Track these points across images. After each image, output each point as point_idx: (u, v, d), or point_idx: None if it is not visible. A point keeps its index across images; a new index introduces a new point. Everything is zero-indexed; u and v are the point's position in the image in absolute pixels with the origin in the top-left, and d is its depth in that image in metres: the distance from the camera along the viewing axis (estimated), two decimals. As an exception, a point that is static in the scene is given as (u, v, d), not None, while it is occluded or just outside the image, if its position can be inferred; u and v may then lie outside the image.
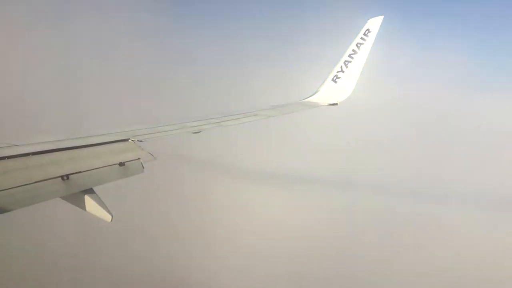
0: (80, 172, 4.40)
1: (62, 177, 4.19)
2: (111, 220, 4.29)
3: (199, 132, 6.73)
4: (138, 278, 11.53)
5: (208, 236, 12.22)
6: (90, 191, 4.36)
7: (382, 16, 9.34)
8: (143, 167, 5.03)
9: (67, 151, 4.69)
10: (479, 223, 13.25)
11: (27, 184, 3.87)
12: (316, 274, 12.43)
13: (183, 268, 11.92)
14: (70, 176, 4.25)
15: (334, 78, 9.74)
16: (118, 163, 4.84)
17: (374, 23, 9.32)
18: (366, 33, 9.34)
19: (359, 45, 9.44)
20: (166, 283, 11.72)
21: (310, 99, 9.71)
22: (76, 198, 4.25)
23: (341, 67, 9.66)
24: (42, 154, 4.45)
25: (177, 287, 11.76)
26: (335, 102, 9.58)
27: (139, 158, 5.10)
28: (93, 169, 4.58)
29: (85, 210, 4.27)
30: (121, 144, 5.33)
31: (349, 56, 9.56)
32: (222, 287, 11.97)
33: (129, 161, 4.97)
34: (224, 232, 12.31)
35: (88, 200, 4.28)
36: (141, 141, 5.52)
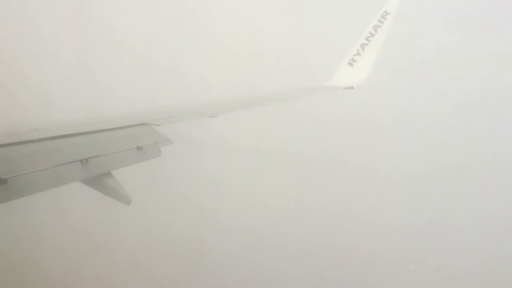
0: (98, 156, 4.46)
1: (81, 160, 4.25)
2: (130, 204, 4.34)
3: (215, 116, 6.76)
4: (151, 265, 11.68)
5: (224, 220, 12.30)
6: (108, 175, 4.42)
7: None
8: (160, 151, 5.08)
9: (85, 135, 4.75)
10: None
11: (46, 168, 3.93)
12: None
13: (200, 252, 12.04)
14: (89, 160, 4.31)
15: (351, 62, 9.61)
16: (135, 147, 4.90)
17: (392, 5, 9.15)
18: (383, 15, 9.17)
19: (376, 27, 9.28)
20: (184, 268, 11.87)
21: (326, 82, 9.64)
22: (95, 181, 4.31)
23: (358, 50, 9.52)
24: (61, 139, 4.51)
25: (193, 272, 11.91)
26: (352, 86, 9.48)
27: (156, 142, 5.15)
28: (111, 153, 4.63)
29: (104, 193, 4.33)
30: (139, 128, 5.39)
31: (366, 39, 9.41)
32: (242, 275, 12.09)
33: (147, 145, 5.02)
34: (240, 216, 12.38)
35: (107, 183, 4.33)
36: (158, 125, 5.57)
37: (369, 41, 9.35)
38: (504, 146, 12.98)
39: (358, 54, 9.49)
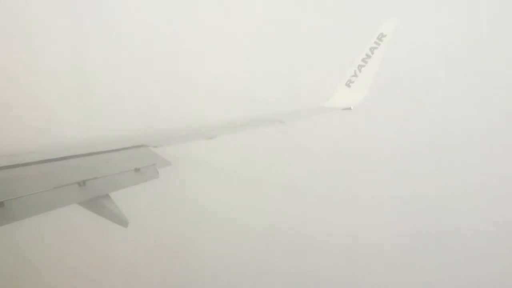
0: (96, 178, 4.43)
1: (78, 183, 4.22)
2: (127, 226, 4.30)
3: (213, 137, 6.75)
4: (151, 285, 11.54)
5: (222, 241, 12.20)
6: (106, 197, 4.38)
7: (395, 20, 9.28)
8: (158, 173, 5.05)
9: (83, 157, 4.73)
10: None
11: (44, 191, 3.89)
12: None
13: (195, 274, 11.91)
14: (86, 182, 4.28)
15: (348, 83, 9.67)
16: (133, 168, 4.87)
17: (388, 27, 9.25)
18: (380, 37, 9.27)
19: (372, 49, 9.36)
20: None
21: (323, 103, 9.68)
22: (92, 204, 4.27)
23: (355, 71, 9.59)
24: (58, 161, 4.49)
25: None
26: (349, 107, 9.52)
27: (154, 164, 5.12)
28: (109, 175, 4.60)
29: (101, 215, 4.29)
30: (136, 150, 5.37)
31: (363, 60, 9.49)
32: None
33: (144, 166, 4.99)
34: (239, 238, 12.29)
35: (104, 205, 4.29)
36: (156, 146, 5.56)
37: (366, 62, 9.43)
38: (500, 171, 12.93)
39: (355, 75, 9.56)
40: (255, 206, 12.63)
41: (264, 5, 13.76)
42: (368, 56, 9.37)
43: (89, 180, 4.33)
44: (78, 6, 12.74)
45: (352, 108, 9.49)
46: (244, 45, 13.14)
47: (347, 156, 13.07)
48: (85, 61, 12.59)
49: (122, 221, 4.32)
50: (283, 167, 13.11)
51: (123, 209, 4.37)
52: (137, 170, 4.88)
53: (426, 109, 13.38)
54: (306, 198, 12.97)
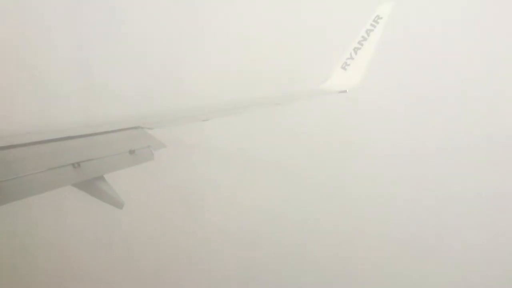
0: (91, 159, 4.43)
1: (73, 164, 4.22)
2: (122, 208, 4.32)
3: (208, 119, 6.76)
4: (146, 269, 11.62)
5: (216, 224, 12.28)
6: (101, 179, 4.39)
7: (392, 2, 9.23)
8: (153, 155, 5.07)
9: (78, 138, 4.72)
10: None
11: (38, 172, 3.89)
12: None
13: (192, 258, 12.00)
14: (81, 164, 4.28)
15: (344, 65, 9.65)
16: (128, 150, 4.88)
17: (385, 9, 9.21)
18: (376, 19, 9.23)
19: (369, 31, 9.33)
20: (177, 275, 11.82)
21: (319, 86, 9.67)
22: (87, 185, 4.29)
23: (351, 54, 9.57)
24: (53, 142, 4.48)
25: (186, 273, 11.86)
26: (345, 90, 9.52)
27: (149, 146, 5.14)
28: (103, 156, 4.61)
29: (97, 197, 4.31)
30: (131, 132, 5.37)
31: (359, 43, 9.47)
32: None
33: (139, 148, 5.00)
34: (232, 220, 12.35)
35: (99, 187, 4.32)
36: (151, 128, 5.56)
37: (362, 45, 9.40)
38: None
39: (351, 58, 9.54)
40: (250, 188, 12.67)
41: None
42: (364, 39, 9.34)
43: (84, 161, 4.33)
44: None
45: (347, 91, 9.49)
46: (239, 27, 13.03)
47: (342, 140, 13.06)
48: (81, 42, 12.48)
49: (117, 203, 4.35)
50: (278, 149, 13.11)
51: (118, 190, 4.39)
52: (131, 152, 4.88)
53: (424, 94, 13.32)
54: (301, 181, 13.01)
